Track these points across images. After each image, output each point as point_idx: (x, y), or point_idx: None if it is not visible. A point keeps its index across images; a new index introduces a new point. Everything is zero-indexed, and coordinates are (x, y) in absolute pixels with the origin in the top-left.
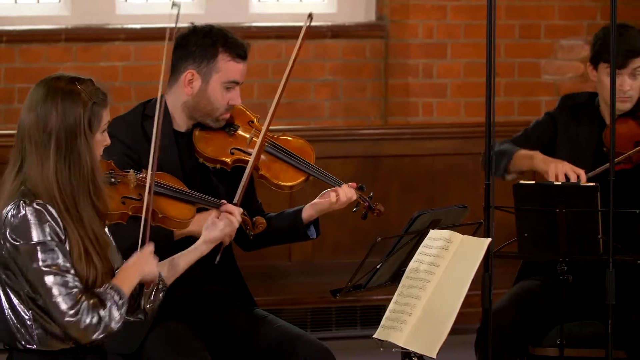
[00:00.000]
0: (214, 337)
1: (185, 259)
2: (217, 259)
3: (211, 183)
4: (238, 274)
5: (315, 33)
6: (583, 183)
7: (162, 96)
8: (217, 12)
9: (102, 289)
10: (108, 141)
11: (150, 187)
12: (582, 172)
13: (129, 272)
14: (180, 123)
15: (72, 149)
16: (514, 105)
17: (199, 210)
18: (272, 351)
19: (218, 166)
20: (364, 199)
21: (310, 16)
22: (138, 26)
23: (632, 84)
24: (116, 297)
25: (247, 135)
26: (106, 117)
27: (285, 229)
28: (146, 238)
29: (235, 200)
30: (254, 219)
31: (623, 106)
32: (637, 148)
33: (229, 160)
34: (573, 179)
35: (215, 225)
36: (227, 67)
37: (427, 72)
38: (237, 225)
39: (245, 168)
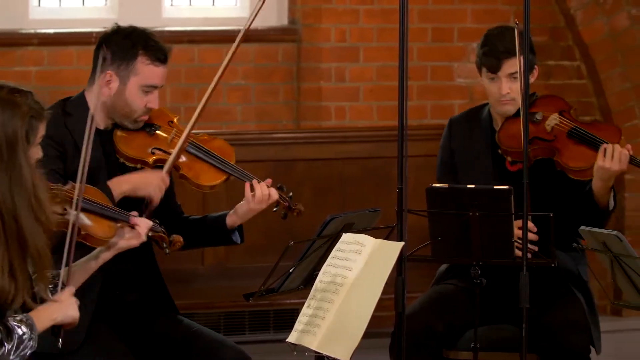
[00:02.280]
0: (138, 344)
1: (88, 266)
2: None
3: None
4: (160, 280)
5: (227, 37)
6: (496, 186)
7: (92, 117)
8: (130, 16)
9: (14, 321)
10: (40, 154)
11: (77, 203)
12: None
13: (47, 312)
14: (100, 121)
15: (12, 161)
16: (426, 108)
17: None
18: (196, 358)
19: (139, 166)
20: (283, 199)
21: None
22: (51, 31)
23: (512, 87)
24: (25, 334)
25: (168, 136)
26: (42, 131)
27: (209, 234)
28: (71, 255)
29: (145, 213)
30: (171, 236)
31: (506, 109)
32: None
33: (149, 160)
34: None
35: (123, 234)
36: (146, 71)
37: (340, 76)
38: (144, 238)
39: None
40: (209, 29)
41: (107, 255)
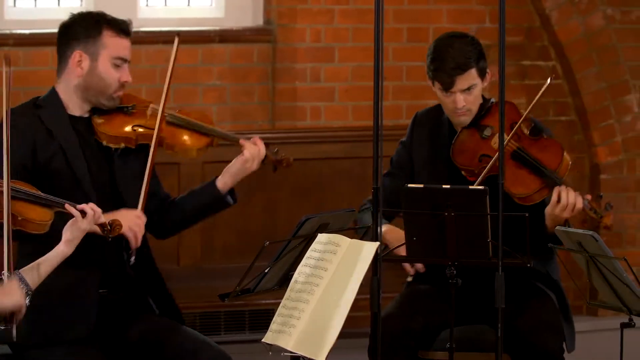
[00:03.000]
0: (116, 344)
1: (49, 262)
2: (132, 260)
3: (113, 166)
4: (160, 280)
5: (203, 38)
6: (472, 187)
7: (8, 113)
8: None
9: None
10: None
11: (7, 193)
12: None
13: None
14: (75, 108)
15: None
16: (402, 108)
17: (58, 213)
18: (177, 358)
19: (122, 145)
20: (271, 152)
21: (178, 35)
22: (27, 31)
23: (467, 99)
24: None
25: (146, 111)
26: None
27: (202, 203)
28: (10, 246)
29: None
30: (110, 221)
31: (462, 120)
32: (486, 165)
33: (132, 136)
34: None
35: (72, 225)
36: (113, 43)
37: (315, 76)
38: (84, 226)
39: (149, 145)
40: (185, 30)
41: (63, 248)
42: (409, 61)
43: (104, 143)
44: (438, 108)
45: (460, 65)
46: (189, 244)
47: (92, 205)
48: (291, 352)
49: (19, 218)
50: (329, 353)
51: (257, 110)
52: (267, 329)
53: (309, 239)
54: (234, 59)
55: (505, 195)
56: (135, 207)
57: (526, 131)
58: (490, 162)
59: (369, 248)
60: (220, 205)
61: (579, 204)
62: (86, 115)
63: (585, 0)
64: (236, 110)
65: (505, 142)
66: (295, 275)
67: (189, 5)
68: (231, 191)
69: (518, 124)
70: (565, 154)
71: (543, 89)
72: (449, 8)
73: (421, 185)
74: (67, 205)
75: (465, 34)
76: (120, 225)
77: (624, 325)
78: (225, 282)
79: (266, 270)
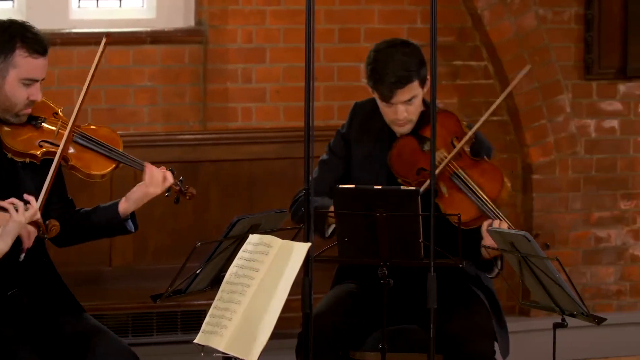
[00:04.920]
0: (44, 344)
1: None
2: (22, 257)
3: (18, 178)
4: (57, 278)
5: (134, 39)
6: (403, 187)
7: None
8: (37, 17)
9: None
10: None
11: None
12: None
13: None
14: None
15: None
16: (333, 109)
17: None
18: (72, 346)
19: (27, 160)
20: (175, 183)
21: (107, 36)
22: None
23: (408, 109)
24: None
25: (54, 128)
26: None
27: (103, 223)
28: None
29: (40, 199)
30: (47, 221)
31: (403, 130)
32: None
33: (37, 153)
34: None
35: (7, 220)
36: (25, 64)
37: (246, 77)
38: (19, 218)
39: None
40: (116, 31)
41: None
42: (340, 62)
43: (9, 156)
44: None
45: (401, 79)
46: (121, 245)
47: (17, 200)
48: (223, 353)
49: None
50: (260, 353)
51: (188, 111)
52: (199, 329)
53: (241, 240)
54: (165, 60)
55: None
56: None
57: (467, 148)
58: (425, 184)
59: (301, 249)
60: (119, 230)
61: None
62: None
63: (517, 1)
64: (168, 112)
65: (445, 162)
66: (227, 276)
67: (120, 6)
68: (133, 218)
69: (462, 135)
70: (505, 180)
71: (515, 83)
72: (380, 8)
73: (352, 186)
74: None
75: (407, 42)
76: (58, 227)
77: (556, 326)
78: (157, 283)
79: (198, 271)
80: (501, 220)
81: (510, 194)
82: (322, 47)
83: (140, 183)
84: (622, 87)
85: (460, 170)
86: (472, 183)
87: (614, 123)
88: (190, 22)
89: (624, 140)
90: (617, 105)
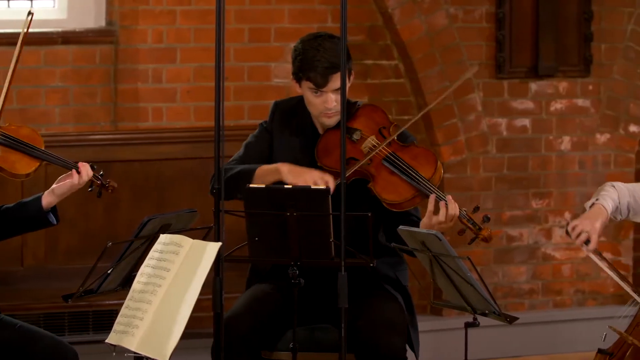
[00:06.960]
0: None
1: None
2: None
3: None
4: None
5: (45, 39)
6: (314, 186)
7: None
8: None
9: None
10: None
11: None
12: (330, 179)
13: None
14: None
15: None
16: (244, 108)
17: None
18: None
19: None
20: (97, 178)
21: (30, 13)
22: None
23: (338, 98)
24: None
25: None
26: None
27: (25, 217)
28: None
29: None
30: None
31: (331, 122)
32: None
33: None
34: (323, 185)
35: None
36: None
37: (157, 77)
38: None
39: None
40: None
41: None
42: (251, 61)
43: None
44: (300, 100)
45: (334, 65)
46: (33, 244)
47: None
48: (135, 353)
49: None
50: (172, 353)
51: (99, 112)
52: (111, 329)
53: (151, 240)
54: (76, 61)
55: (374, 199)
56: None
57: (395, 137)
58: (357, 165)
59: (212, 248)
60: (42, 223)
61: (456, 212)
62: None
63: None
64: (79, 112)
65: (378, 149)
66: (138, 276)
67: (31, 6)
68: (55, 211)
69: (390, 126)
70: (438, 162)
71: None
72: (290, 8)
73: (263, 185)
74: None
75: (332, 35)
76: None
77: (468, 325)
78: (69, 283)
79: (109, 271)
80: (439, 195)
81: (442, 175)
82: (233, 47)
83: (63, 176)
84: (533, 86)
85: (393, 153)
86: (407, 163)
87: (526, 122)
88: (101, 23)
89: (536, 139)
90: (528, 104)
